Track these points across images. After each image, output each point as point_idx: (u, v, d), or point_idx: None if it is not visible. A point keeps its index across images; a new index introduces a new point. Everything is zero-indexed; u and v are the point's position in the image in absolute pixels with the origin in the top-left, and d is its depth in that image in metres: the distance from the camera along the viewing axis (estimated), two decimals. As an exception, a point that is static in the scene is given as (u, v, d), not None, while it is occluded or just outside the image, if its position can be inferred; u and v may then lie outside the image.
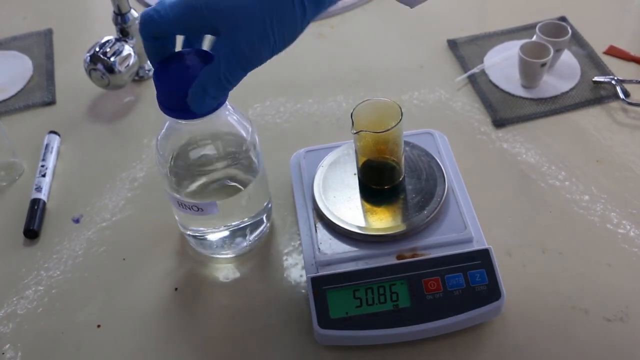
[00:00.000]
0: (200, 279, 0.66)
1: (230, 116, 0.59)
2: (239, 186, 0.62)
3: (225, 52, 0.49)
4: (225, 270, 0.67)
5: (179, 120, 0.56)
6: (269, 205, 0.68)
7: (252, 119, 0.82)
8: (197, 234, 0.66)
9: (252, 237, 0.67)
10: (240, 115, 0.60)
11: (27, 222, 0.71)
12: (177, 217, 0.67)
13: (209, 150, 0.60)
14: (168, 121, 0.58)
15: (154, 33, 0.51)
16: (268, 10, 0.47)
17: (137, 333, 0.62)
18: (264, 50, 0.49)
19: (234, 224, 0.64)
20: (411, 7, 0.52)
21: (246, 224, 0.65)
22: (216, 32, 0.50)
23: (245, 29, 0.48)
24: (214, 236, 0.65)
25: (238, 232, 0.65)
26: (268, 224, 0.69)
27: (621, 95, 0.80)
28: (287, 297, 0.63)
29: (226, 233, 0.65)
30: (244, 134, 0.60)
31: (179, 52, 0.55)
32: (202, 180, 0.61)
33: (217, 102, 0.53)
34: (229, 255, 0.67)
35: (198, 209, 0.61)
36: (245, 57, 0.49)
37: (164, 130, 0.59)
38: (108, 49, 0.82)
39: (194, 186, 0.62)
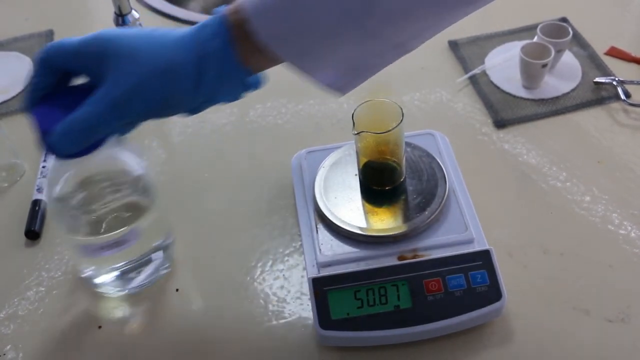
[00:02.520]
0: (201, 280, 0.66)
1: (120, 153, 0.56)
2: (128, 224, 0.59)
3: (101, 92, 0.47)
4: (225, 271, 0.67)
5: (64, 160, 0.52)
6: (165, 242, 0.65)
7: (253, 120, 0.83)
8: (86, 274, 0.64)
9: (142, 278, 0.64)
10: (133, 150, 0.57)
11: (28, 223, 0.71)
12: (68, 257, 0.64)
13: (96, 188, 0.58)
14: (53, 161, 0.55)
15: (54, 55, 0.49)
16: (155, 59, 0.47)
17: (138, 334, 0.62)
18: (139, 100, 0.47)
19: (120, 264, 0.62)
20: (343, 94, 0.53)
21: (132, 264, 0.62)
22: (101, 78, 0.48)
23: (126, 70, 0.46)
24: (103, 278, 0.63)
25: (126, 272, 0.63)
26: (168, 264, 0.65)
27: (622, 96, 0.80)
28: (288, 298, 0.63)
29: (117, 273, 0.62)
30: (134, 171, 0.58)
31: (62, 88, 0.52)
32: (92, 218, 0.58)
33: (84, 146, 0.49)
34: (120, 293, 0.64)
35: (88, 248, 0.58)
36: (117, 100, 0.47)
37: (50, 170, 0.56)
38: (109, 50, 0.82)
39: (85, 225, 0.58)
